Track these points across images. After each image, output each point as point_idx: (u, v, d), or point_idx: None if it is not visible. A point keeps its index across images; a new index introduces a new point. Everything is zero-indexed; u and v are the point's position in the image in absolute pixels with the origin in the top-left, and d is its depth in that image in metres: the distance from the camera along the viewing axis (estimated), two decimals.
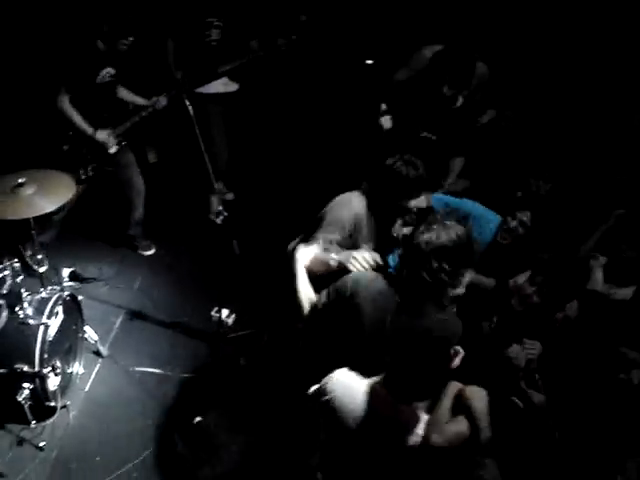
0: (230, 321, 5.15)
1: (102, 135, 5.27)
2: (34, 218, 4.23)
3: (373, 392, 2.66)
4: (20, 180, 4.12)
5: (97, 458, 4.20)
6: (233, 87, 6.16)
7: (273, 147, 7.15)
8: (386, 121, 5.38)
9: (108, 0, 5.04)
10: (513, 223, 4.39)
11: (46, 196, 4.15)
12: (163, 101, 5.38)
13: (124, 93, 5.52)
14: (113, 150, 5.37)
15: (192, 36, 5.82)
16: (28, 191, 4.12)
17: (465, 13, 5.92)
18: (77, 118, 5.16)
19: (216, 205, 6.25)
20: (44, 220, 4.49)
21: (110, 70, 5.21)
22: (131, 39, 5.06)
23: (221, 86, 6.07)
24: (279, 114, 7.15)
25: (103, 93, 5.29)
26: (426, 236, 2.83)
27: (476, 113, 5.47)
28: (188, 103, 4.47)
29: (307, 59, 6.71)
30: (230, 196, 6.66)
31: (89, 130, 5.21)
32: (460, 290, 2.89)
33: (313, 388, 2.83)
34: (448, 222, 2.89)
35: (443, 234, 2.82)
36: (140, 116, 5.40)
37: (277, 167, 7.00)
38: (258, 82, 6.62)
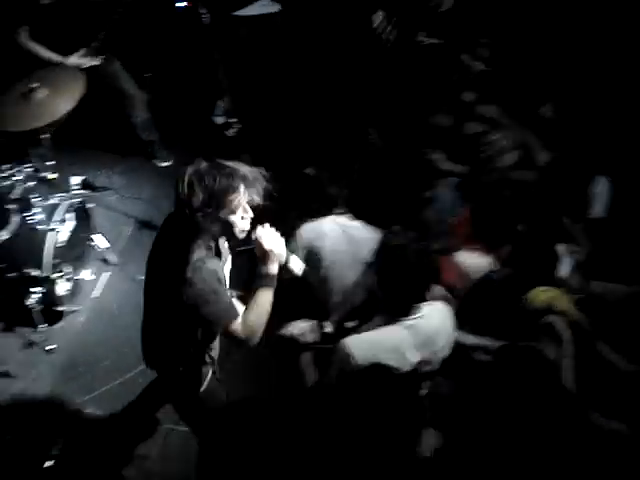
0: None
1: (73, 60, 4.94)
2: None
3: None
4: (32, 85, 4.06)
5: (105, 362, 4.30)
6: (274, 8, 5.79)
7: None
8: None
9: None
10: None
11: (59, 97, 4.09)
12: None
13: None
14: (95, 63, 5.05)
15: None
16: (40, 95, 4.06)
17: None
18: (40, 49, 4.82)
19: (221, 109, 5.90)
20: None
21: None
22: None
23: (260, 7, 5.72)
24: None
25: (58, 12, 4.84)
26: None
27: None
28: (204, 11, 4.33)
29: None
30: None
31: (56, 58, 4.89)
32: None
33: None
34: None
35: None
36: (113, 20, 4.99)
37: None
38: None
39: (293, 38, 6.25)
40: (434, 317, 3.11)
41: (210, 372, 3.23)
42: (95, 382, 4.19)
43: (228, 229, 2.80)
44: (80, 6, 4.97)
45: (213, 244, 2.91)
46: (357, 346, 3.00)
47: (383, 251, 3.05)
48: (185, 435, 3.87)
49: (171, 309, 2.91)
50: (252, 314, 2.87)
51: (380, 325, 3.09)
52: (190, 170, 2.71)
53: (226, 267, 3.08)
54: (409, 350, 3.02)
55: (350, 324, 3.66)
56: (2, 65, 4.93)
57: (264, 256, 2.89)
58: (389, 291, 3.03)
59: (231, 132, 4.31)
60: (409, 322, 3.02)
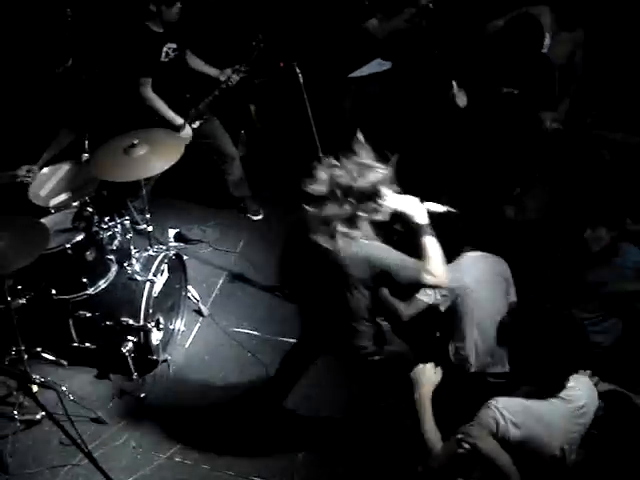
0: None
1: (188, 131, 5.16)
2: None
3: None
4: (134, 141, 4.25)
5: (194, 411, 4.33)
6: (387, 65, 5.78)
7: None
8: (461, 99, 5.14)
9: None
10: None
11: (158, 156, 4.26)
12: (235, 78, 5.17)
13: (194, 62, 5.34)
14: (195, 125, 5.26)
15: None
16: (140, 152, 4.24)
17: None
18: (160, 105, 5.02)
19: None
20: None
21: (171, 45, 5.01)
22: (179, 6, 4.82)
23: (372, 67, 5.77)
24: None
25: (174, 71, 5.11)
26: None
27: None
28: (299, 71, 4.46)
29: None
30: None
31: (178, 121, 5.08)
32: None
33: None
34: None
35: None
36: (214, 95, 5.19)
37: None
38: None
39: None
40: (584, 393, 3.01)
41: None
42: (184, 431, 4.23)
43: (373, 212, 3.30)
44: (193, 71, 5.28)
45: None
46: (510, 408, 2.88)
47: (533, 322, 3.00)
48: None
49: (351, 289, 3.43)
50: (433, 262, 3.28)
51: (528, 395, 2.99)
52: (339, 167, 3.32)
53: None
54: (557, 427, 2.92)
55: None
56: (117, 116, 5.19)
57: (410, 215, 3.30)
58: (541, 364, 2.92)
59: None
60: (561, 397, 2.94)
